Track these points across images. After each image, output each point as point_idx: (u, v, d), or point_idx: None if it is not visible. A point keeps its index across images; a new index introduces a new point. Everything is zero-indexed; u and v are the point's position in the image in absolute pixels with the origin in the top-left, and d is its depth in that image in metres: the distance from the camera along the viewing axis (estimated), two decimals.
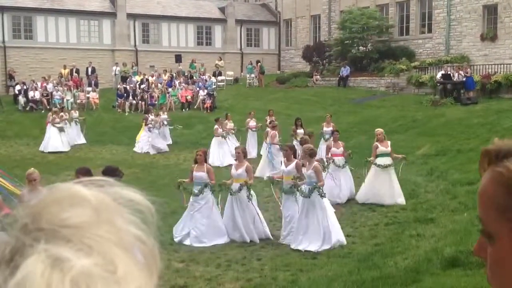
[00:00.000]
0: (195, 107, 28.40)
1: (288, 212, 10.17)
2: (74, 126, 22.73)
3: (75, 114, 23.09)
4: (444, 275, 7.42)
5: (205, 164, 10.47)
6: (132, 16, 35.41)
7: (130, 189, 0.65)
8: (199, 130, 23.68)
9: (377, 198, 12.35)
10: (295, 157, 10.71)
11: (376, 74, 29.32)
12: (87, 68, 32.25)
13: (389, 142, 12.88)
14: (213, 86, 31.00)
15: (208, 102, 28.61)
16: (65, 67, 31.71)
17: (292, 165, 10.16)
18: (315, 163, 9.91)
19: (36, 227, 0.60)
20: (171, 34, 36.87)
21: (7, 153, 20.28)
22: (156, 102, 29.09)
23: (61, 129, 21.12)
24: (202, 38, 38.10)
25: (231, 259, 9.17)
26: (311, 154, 10.01)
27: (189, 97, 29.20)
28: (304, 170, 9.92)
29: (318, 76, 31.89)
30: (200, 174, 10.18)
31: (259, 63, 34.24)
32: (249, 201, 10.20)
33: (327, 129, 17.30)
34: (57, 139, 20.93)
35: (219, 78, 33.78)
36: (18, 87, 28.46)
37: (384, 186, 12.34)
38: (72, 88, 29.28)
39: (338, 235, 9.59)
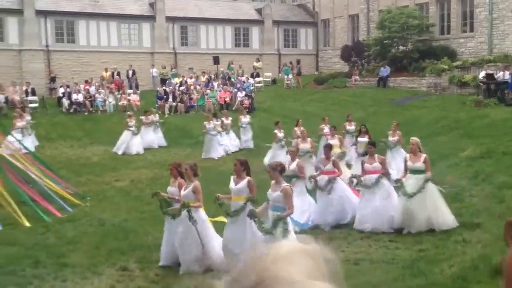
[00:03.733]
0: (233, 108, 28.53)
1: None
2: (155, 130, 22.82)
3: (155, 117, 23.16)
4: (492, 284, 7.24)
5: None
6: (170, 19, 35.82)
7: (321, 245, 0.74)
8: (236, 131, 23.74)
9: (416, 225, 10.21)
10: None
11: (416, 74, 28.85)
12: (127, 71, 32.78)
13: (423, 156, 10.34)
14: (251, 88, 31.09)
15: (247, 104, 28.72)
16: (106, 70, 32.32)
17: (243, 183, 8.35)
18: (284, 184, 7.94)
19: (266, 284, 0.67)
20: (209, 36, 37.15)
21: (52, 154, 20.76)
22: (195, 104, 29.37)
23: (133, 133, 21.45)
24: (239, 40, 38.25)
25: None
26: (281, 170, 8.13)
27: (227, 99, 29.36)
28: (269, 191, 8.01)
29: (357, 77, 31.59)
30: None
31: (298, 64, 34.16)
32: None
33: (350, 127, 18.28)
34: (131, 141, 21.34)
35: (257, 79, 33.86)
36: (61, 90, 29.13)
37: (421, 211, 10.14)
38: (113, 91, 29.82)
39: None
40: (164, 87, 30.11)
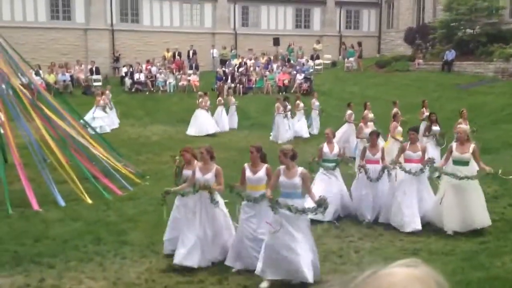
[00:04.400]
0: (292, 91, 28.39)
1: None
2: (231, 111, 23.22)
3: (233, 99, 23.50)
4: None
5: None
6: (232, 0, 35.86)
7: (431, 269, 0.76)
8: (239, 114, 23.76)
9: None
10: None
11: (484, 59, 27.69)
12: (188, 51, 33.16)
13: (472, 146, 9.40)
14: (310, 70, 30.80)
15: (305, 86, 28.51)
16: (168, 50, 32.82)
17: (262, 171, 7.98)
18: (300, 168, 7.48)
19: None
20: (269, 17, 36.97)
21: (114, 133, 21.34)
22: (253, 86, 29.42)
23: (207, 112, 21.91)
24: (300, 21, 37.85)
25: (327, 249, 9.10)
26: (293, 156, 7.45)
27: (286, 81, 29.23)
28: (282, 178, 7.41)
29: (421, 60, 30.69)
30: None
31: (360, 47, 33.52)
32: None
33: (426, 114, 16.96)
34: (203, 122, 21.67)
35: (317, 61, 33.50)
36: (124, 69, 29.82)
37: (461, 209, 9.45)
38: (174, 71, 30.27)
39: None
40: (223, 68, 30.28)
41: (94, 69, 29.61)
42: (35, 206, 10.81)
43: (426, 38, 32.60)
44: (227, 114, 23.16)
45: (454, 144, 9.69)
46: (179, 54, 32.80)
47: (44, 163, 12.50)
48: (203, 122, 21.70)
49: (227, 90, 28.78)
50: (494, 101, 22.01)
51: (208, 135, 21.15)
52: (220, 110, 22.97)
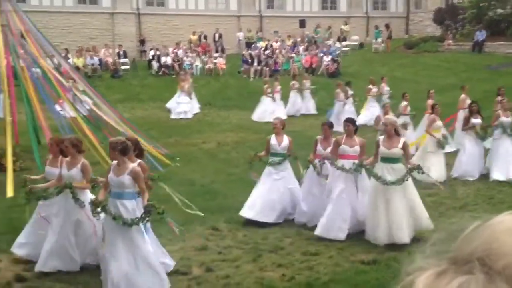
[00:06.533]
0: (319, 73, 28.17)
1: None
2: (306, 96, 22.29)
3: (307, 83, 22.70)
4: None
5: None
6: None
7: None
8: (323, 97, 23.42)
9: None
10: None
11: None
12: (214, 34, 33.11)
13: (402, 140, 8.45)
14: (338, 52, 30.51)
15: (332, 68, 28.26)
16: (194, 34, 32.82)
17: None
18: (133, 165, 6.75)
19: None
20: None
21: (143, 115, 21.52)
22: (280, 68, 29.28)
23: (272, 100, 21.18)
24: (326, 2, 37.35)
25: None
26: (123, 150, 6.62)
27: (313, 65, 29.01)
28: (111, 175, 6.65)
29: (450, 41, 30.15)
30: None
31: (389, 28, 33.02)
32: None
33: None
34: (265, 108, 21.07)
35: (344, 43, 33.15)
36: (151, 53, 29.95)
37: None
38: (200, 54, 30.29)
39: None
40: (249, 51, 30.20)
41: (121, 52, 29.80)
42: None
43: (456, 18, 31.99)
44: (301, 99, 22.20)
45: (381, 138, 8.52)
46: (205, 37, 32.78)
47: None
48: (265, 109, 21.02)
49: (253, 72, 28.74)
50: None
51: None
52: (294, 94, 22.14)
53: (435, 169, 11.44)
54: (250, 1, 35.53)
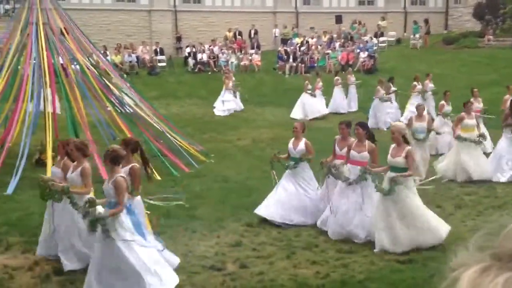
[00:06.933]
0: (355, 69, 27.90)
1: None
2: (351, 91, 22.24)
3: (352, 78, 22.64)
4: None
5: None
6: None
7: None
8: (359, 93, 23.16)
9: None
10: None
11: None
12: (249, 31, 33.13)
13: (407, 149, 7.99)
14: (374, 48, 30.14)
15: (369, 64, 27.95)
16: (229, 30, 32.91)
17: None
18: (117, 175, 6.37)
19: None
20: None
21: (179, 112, 21.71)
22: (316, 65, 29.12)
23: (312, 96, 21.16)
24: None
25: None
26: (114, 158, 6.48)
27: (350, 62, 28.75)
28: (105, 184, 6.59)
29: (491, 36, 29.41)
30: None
31: (428, 23, 32.42)
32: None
33: (448, 107, 14.87)
34: (304, 105, 21.03)
35: (381, 39, 32.72)
36: (187, 50, 30.17)
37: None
38: (236, 51, 30.36)
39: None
40: (285, 47, 30.11)
41: (158, 49, 30.12)
42: None
43: (496, 13, 31.20)
44: (345, 96, 22.06)
45: (392, 146, 8.16)
46: (240, 34, 32.83)
47: (113, 141, 12.87)
48: (305, 107, 20.96)
49: (288, 69, 28.63)
50: None
51: (315, 118, 20.33)
52: (338, 90, 22.00)
53: (476, 169, 11.36)
54: None
